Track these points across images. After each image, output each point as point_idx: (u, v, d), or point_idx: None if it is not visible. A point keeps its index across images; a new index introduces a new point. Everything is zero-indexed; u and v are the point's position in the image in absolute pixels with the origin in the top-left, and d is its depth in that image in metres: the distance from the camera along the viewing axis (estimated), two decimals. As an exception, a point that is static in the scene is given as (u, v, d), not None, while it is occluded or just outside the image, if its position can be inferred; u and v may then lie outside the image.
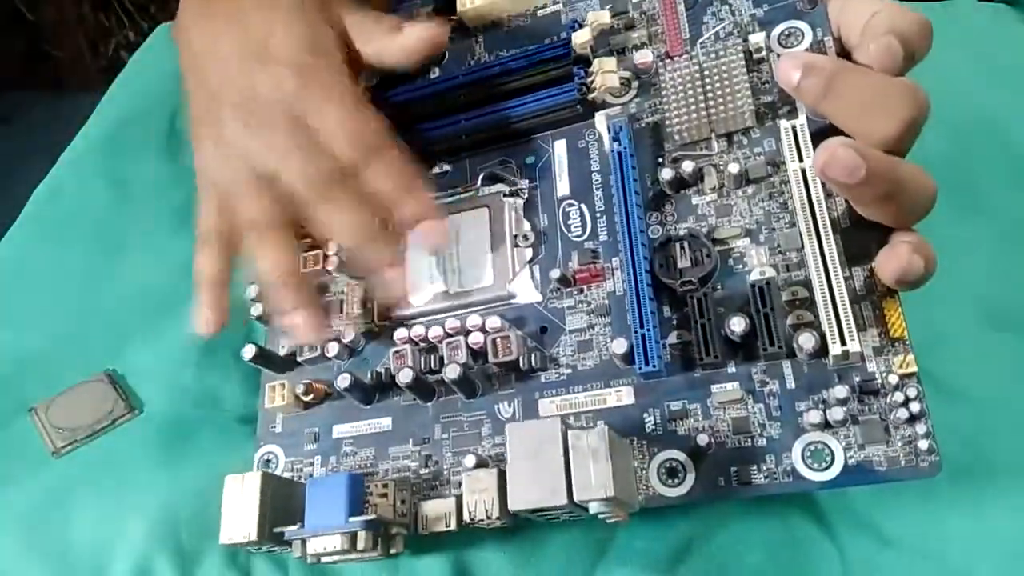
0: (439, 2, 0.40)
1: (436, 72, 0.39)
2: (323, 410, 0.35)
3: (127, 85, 0.57)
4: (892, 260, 0.27)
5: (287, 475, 0.34)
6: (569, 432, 0.27)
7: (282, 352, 0.36)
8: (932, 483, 0.32)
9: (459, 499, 0.30)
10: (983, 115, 0.45)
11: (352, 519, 0.29)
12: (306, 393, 0.34)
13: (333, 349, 0.35)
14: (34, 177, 0.51)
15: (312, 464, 0.34)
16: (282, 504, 0.31)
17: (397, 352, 0.34)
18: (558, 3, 0.38)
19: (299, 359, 0.36)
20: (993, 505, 0.31)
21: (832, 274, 0.27)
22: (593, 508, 0.26)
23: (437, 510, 0.30)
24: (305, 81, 0.32)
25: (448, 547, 0.33)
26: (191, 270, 0.34)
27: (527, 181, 0.36)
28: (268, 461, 0.35)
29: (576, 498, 0.25)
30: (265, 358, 0.35)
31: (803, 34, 0.33)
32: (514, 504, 0.26)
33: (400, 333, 0.34)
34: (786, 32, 0.33)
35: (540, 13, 0.38)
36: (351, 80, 0.34)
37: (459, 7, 0.39)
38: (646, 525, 0.32)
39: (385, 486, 0.32)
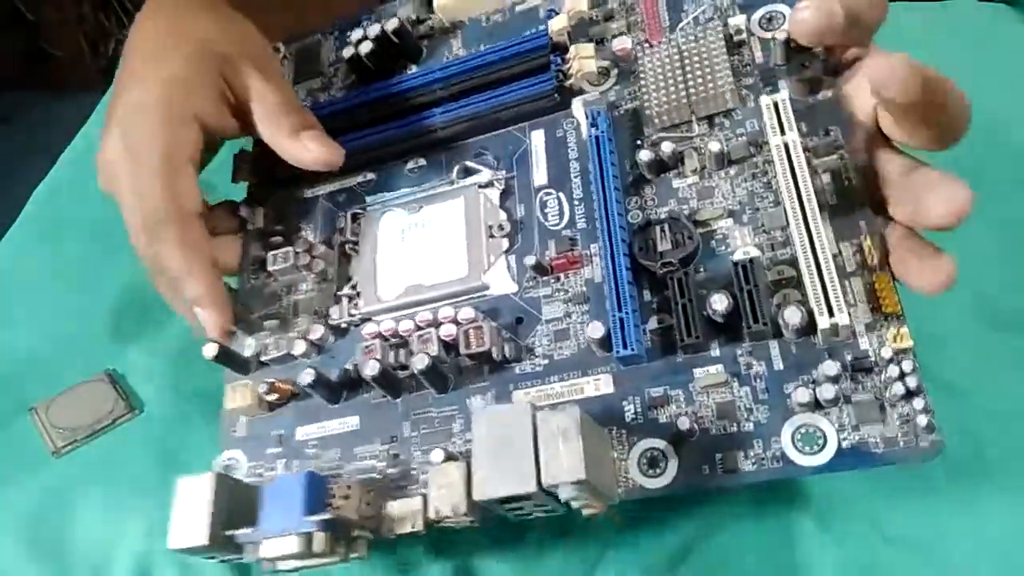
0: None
1: (413, 69, 0.39)
2: (288, 411, 0.33)
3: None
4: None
5: (249, 480, 0.32)
6: (538, 414, 0.25)
7: (247, 353, 0.35)
8: (932, 482, 0.31)
9: (425, 497, 0.28)
10: (983, 115, 0.44)
11: (306, 519, 0.27)
12: (269, 393, 0.33)
13: (300, 347, 0.33)
14: (34, 177, 0.52)
15: (274, 468, 0.32)
16: (240, 509, 0.29)
17: (366, 347, 0.32)
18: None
19: (264, 359, 0.34)
20: (992, 504, 0.30)
21: (818, 245, 0.26)
22: (564, 494, 0.24)
23: (403, 510, 0.28)
24: (125, 145, 0.33)
25: (448, 555, 0.32)
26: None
27: (504, 172, 0.34)
28: (229, 466, 0.33)
29: (544, 482, 0.23)
30: (228, 357, 0.33)
31: (784, 17, 0.32)
32: (479, 494, 0.24)
33: (369, 328, 0.33)
34: (767, 16, 0.32)
35: (518, 9, 0.38)
36: (163, 154, 0.33)
37: (435, 3, 0.38)
38: (645, 527, 0.31)
39: (349, 487, 0.30)
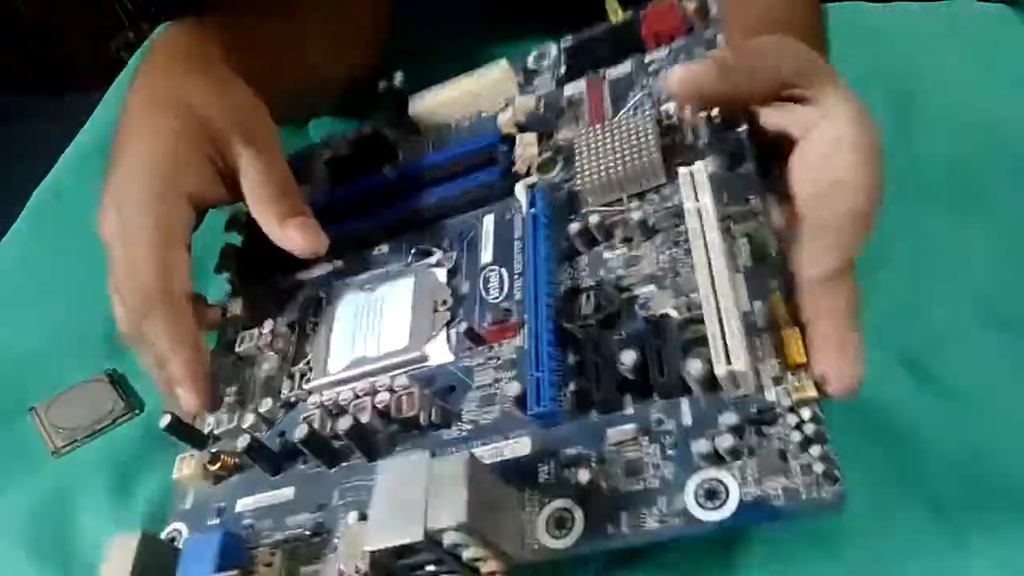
0: (392, 109, 0.43)
1: (388, 169, 0.41)
2: (231, 484, 0.34)
3: (127, 85, 0.61)
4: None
5: (185, 550, 0.32)
6: (434, 463, 0.24)
7: (206, 429, 0.36)
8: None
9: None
10: (984, 115, 0.45)
11: None
12: (212, 462, 0.33)
13: (249, 419, 0.34)
14: (34, 177, 0.51)
15: (211, 539, 0.32)
16: (162, 570, 0.29)
17: (306, 417, 0.33)
18: (500, 105, 0.41)
19: (215, 432, 0.35)
20: (992, 504, 0.30)
21: (719, 295, 0.26)
22: (449, 540, 0.23)
23: (314, 573, 0.28)
24: (120, 219, 0.34)
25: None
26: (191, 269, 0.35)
27: (454, 253, 0.36)
28: (173, 539, 0.33)
29: (428, 525, 0.23)
30: (183, 430, 0.34)
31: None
32: (369, 544, 0.24)
33: (312, 399, 0.33)
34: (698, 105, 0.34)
35: (484, 115, 0.41)
36: (155, 229, 0.34)
37: (411, 111, 0.42)
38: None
39: (272, 554, 0.29)
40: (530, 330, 0.29)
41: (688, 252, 0.30)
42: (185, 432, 0.35)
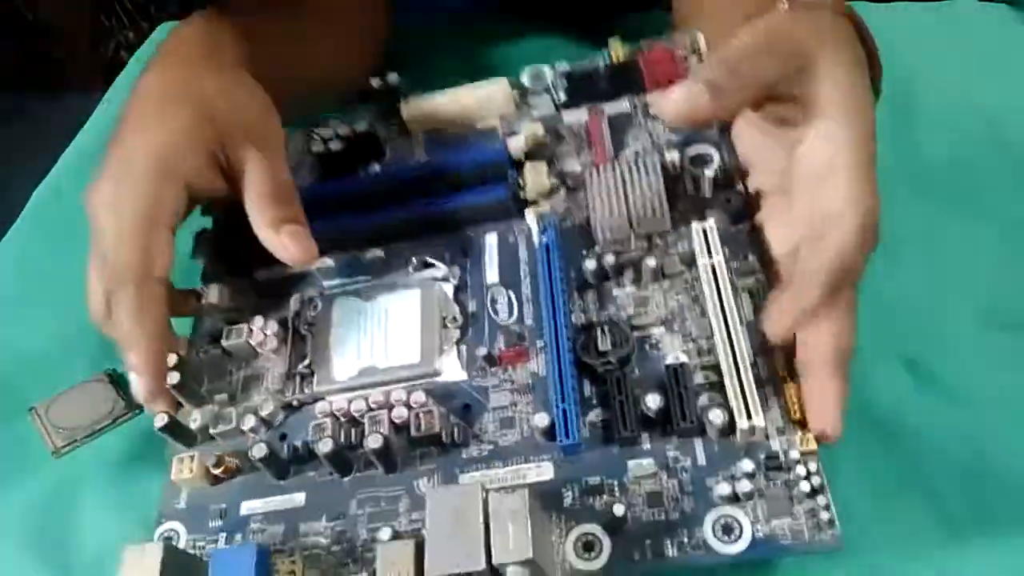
0: (383, 105, 0.43)
1: (376, 168, 0.42)
2: (232, 486, 0.34)
3: (127, 85, 0.56)
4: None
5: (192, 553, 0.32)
6: (490, 496, 0.27)
7: (193, 425, 0.35)
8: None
9: (373, 574, 0.29)
10: (983, 115, 0.46)
11: (259, 592, 0.27)
12: (216, 465, 0.33)
13: (250, 422, 0.34)
14: (34, 177, 0.52)
15: (216, 542, 0.33)
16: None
17: (317, 425, 0.34)
18: (495, 121, 0.42)
19: (212, 432, 0.35)
20: (993, 504, 0.31)
21: (739, 356, 0.30)
22: (512, 574, 0.26)
23: (348, 586, 0.29)
24: (113, 195, 0.34)
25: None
26: (191, 268, 0.37)
27: (458, 268, 0.37)
28: (169, 538, 0.33)
29: (495, 560, 0.25)
30: (176, 429, 0.34)
31: (712, 158, 0.37)
32: (431, 570, 0.26)
33: (322, 407, 0.34)
34: (698, 154, 0.37)
35: (479, 126, 0.42)
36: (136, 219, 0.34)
37: (404, 113, 0.42)
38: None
39: (293, 562, 0.30)
40: (551, 361, 0.32)
41: (695, 300, 0.33)
42: (178, 433, 0.34)
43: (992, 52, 0.49)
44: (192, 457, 0.34)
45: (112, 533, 0.35)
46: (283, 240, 0.35)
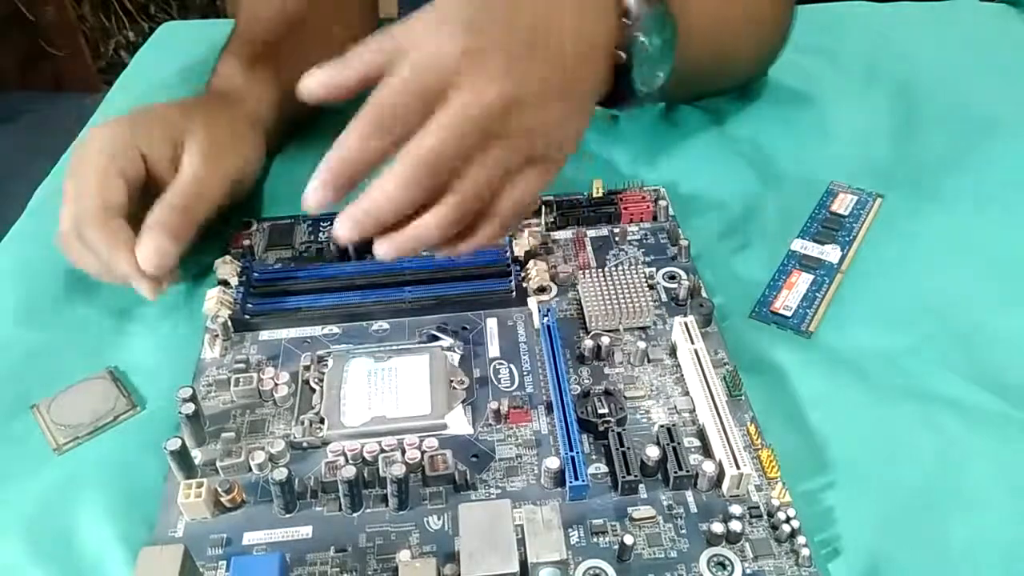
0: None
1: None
2: (234, 517, 0.34)
3: (127, 85, 0.60)
4: None
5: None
6: (524, 507, 0.29)
7: (198, 461, 0.36)
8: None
9: (392, 590, 0.30)
10: (983, 115, 0.47)
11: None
12: (227, 491, 0.34)
13: (259, 457, 0.35)
14: (35, 176, 0.53)
15: (216, 569, 0.32)
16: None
17: (330, 463, 0.35)
18: None
19: (219, 464, 0.35)
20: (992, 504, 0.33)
21: (724, 421, 0.35)
22: (540, 572, 0.28)
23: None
24: (84, 154, 0.41)
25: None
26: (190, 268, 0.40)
27: (462, 343, 0.41)
28: (161, 563, 0.32)
29: (531, 559, 0.28)
30: (182, 458, 0.35)
31: (682, 276, 0.44)
32: (467, 570, 0.28)
33: (334, 447, 0.36)
34: (670, 274, 0.44)
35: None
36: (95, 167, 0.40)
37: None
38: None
39: (307, 581, 0.31)
40: (558, 416, 0.36)
41: (678, 380, 0.39)
42: (185, 462, 0.35)
43: (993, 52, 0.50)
44: (201, 484, 0.34)
45: (113, 531, 0.34)
46: (149, 242, 0.39)
